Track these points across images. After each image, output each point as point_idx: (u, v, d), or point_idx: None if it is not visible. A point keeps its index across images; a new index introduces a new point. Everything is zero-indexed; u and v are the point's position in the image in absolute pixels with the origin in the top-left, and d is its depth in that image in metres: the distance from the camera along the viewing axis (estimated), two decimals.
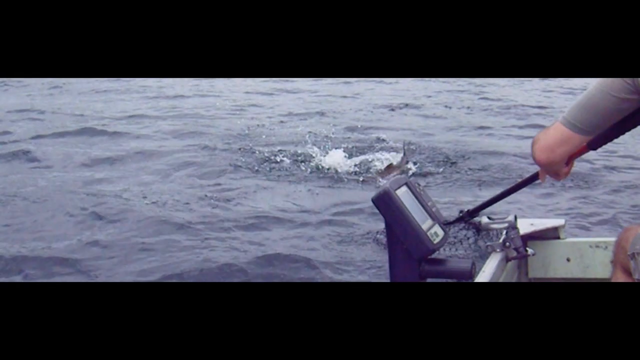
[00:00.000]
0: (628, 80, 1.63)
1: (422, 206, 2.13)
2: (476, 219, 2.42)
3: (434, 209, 2.17)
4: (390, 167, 5.86)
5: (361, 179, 5.67)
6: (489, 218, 2.25)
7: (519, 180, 2.44)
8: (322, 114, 9.19)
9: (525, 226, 2.40)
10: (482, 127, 8.33)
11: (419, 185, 2.25)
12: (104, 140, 7.39)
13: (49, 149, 6.84)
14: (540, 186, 5.11)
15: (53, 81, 12.10)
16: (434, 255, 2.06)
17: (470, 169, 6.06)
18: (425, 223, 2.08)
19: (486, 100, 10.57)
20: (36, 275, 3.76)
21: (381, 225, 4.07)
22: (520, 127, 8.27)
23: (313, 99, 10.91)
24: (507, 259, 2.21)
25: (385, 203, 2.08)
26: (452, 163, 6.24)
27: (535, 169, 2.11)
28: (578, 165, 5.36)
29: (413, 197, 2.14)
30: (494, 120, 8.88)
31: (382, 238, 3.71)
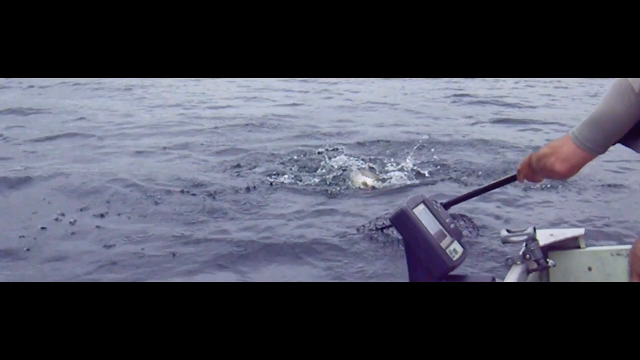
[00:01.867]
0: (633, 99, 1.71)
1: (440, 223, 2.15)
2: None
3: (452, 226, 2.18)
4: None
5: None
6: (507, 231, 2.25)
7: (496, 180, 2.50)
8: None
9: (545, 237, 2.39)
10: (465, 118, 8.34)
11: (436, 202, 2.26)
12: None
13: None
14: (553, 194, 5.09)
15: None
16: (454, 272, 2.07)
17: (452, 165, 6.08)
18: (443, 240, 2.09)
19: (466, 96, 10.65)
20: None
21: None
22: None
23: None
24: (527, 271, 2.20)
25: (402, 222, 2.09)
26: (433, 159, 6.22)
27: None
28: (591, 171, 5.39)
29: (430, 214, 2.15)
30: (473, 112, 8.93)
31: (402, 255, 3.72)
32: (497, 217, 4.59)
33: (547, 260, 2.20)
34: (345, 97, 10.90)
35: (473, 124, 8.66)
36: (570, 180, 5.30)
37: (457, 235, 2.16)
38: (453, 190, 5.32)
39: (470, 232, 4.16)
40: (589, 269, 2.41)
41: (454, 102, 10.58)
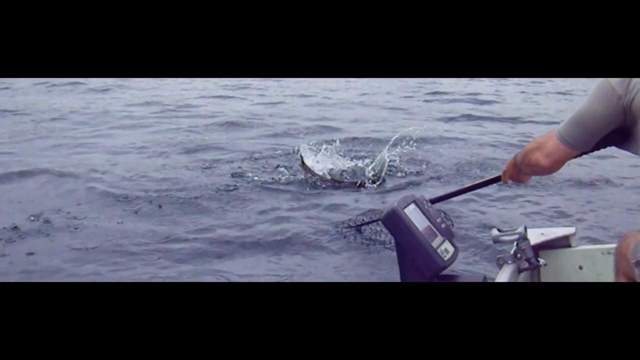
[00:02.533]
0: (615, 102, 1.76)
1: (432, 223, 2.14)
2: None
3: (443, 225, 2.17)
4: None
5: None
6: (498, 230, 2.24)
7: (480, 180, 2.56)
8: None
9: (536, 236, 2.39)
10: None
11: (427, 201, 2.26)
12: None
13: None
14: (544, 193, 5.11)
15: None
16: (445, 272, 2.06)
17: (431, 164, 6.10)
18: (435, 240, 2.08)
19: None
20: None
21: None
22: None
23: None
24: (519, 270, 2.20)
25: (394, 222, 2.08)
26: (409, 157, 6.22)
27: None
28: (581, 172, 5.42)
29: (421, 214, 2.15)
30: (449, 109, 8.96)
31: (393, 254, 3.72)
32: (488, 216, 4.59)
33: (539, 259, 2.20)
34: (323, 95, 10.88)
35: (447, 120, 8.70)
36: (561, 180, 5.32)
37: (448, 235, 2.16)
38: (429, 186, 5.35)
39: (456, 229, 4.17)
40: (580, 267, 2.42)
41: (427, 101, 10.59)
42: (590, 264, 2.40)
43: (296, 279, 3.66)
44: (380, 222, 4.09)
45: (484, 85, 12.20)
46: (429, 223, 2.13)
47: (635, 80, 1.72)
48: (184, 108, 9.72)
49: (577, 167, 5.48)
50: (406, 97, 10.61)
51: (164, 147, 6.97)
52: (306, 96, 10.94)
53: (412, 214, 2.10)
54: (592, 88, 1.85)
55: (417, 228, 2.06)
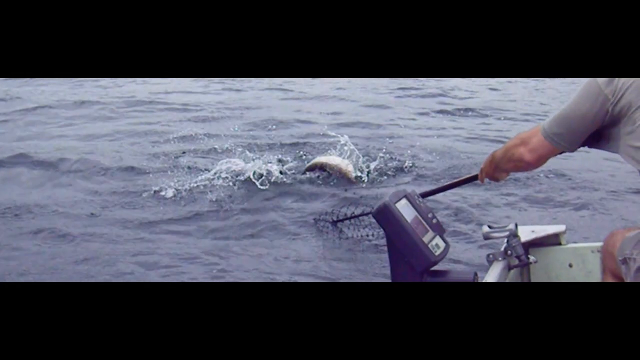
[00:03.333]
0: (600, 105, 1.78)
1: (423, 218, 2.14)
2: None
3: (434, 221, 2.17)
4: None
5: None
6: (489, 227, 2.25)
7: (457, 179, 2.58)
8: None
9: (526, 233, 2.40)
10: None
11: (419, 196, 2.25)
12: None
13: None
14: (535, 191, 5.12)
15: None
16: (436, 267, 2.06)
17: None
18: (426, 235, 2.08)
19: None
20: None
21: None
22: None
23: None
24: (509, 267, 2.20)
25: (385, 217, 2.08)
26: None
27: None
28: (569, 171, 5.44)
29: (413, 209, 2.14)
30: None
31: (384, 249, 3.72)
32: (479, 213, 4.60)
33: (529, 256, 2.21)
34: (299, 89, 10.78)
35: (420, 114, 8.67)
36: (551, 178, 5.34)
37: (439, 230, 2.15)
38: (401, 181, 5.34)
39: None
40: (570, 265, 2.43)
41: (399, 96, 10.56)
42: (580, 261, 2.41)
43: (279, 272, 3.66)
44: (363, 217, 4.10)
45: (456, 80, 12.19)
46: (420, 218, 2.12)
47: (621, 81, 1.74)
48: (159, 101, 9.58)
49: (567, 164, 5.50)
50: (382, 92, 10.54)
51: (136, 138, 6.91)
52: (283, 90, 10.80)
53: (404, 208, 2.10)
54: (579, 87, 1.87)
55: (408, 223, 2.06)
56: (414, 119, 8.29)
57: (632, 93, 1.73)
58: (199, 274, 3.70)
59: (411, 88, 10.70)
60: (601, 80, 1.77)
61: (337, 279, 3.64)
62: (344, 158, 5.61)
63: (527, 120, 7.74)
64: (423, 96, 10.15)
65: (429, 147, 6.41)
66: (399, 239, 2.06)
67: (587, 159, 5.75)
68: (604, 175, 5.54)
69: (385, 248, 2.15)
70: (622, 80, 1.74)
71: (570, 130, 1.90)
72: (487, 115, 8.46)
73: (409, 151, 6.21)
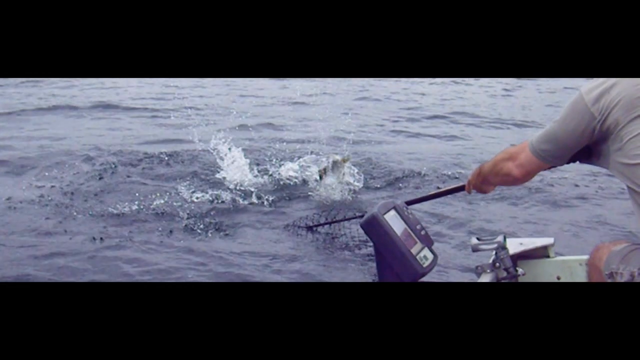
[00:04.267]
0: (586, 122, 1.81)
1: (411, 230, 2.13)
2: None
3: (423, 232, 2.17)
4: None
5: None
6: (477, 239, 2.24)
7: (444, 188, 2.61)
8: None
9: (515, 246, 2.40)
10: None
11: (407, 208, 2.25)
12: None
13: None
14: (523, 203, 5.14)
15: None
16: (424, 279, 2.05)
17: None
18: (414, 247, 2.08)
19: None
20: None
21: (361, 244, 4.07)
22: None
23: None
24: (497, 280, 2.20)
25: (373, 228, 2.07)
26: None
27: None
28: (558, 184, 5.47)
29: (401, 220, 2.14)
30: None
31: (372, 261, 3.70)
32: (467, 225, 4.60)
33: (517, 268, 2.20)
34: (271, 94, 10.73)
35: (393, 121, 8.72)
36: (540, 191, 5.36)
37: (427, 242, 2.15)
38: (368, 188, 5.32)
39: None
40: (558, 278, 2.42)
41: (362, 99, 10.57)
42: (568, 274, 2.41)
43: (257, 275, 3.63)
44: (340, 222, 4.10)
45: (426, 84, 12.22)
46: (409, 230, 2.12)
47: (608, 99, 1.77)
48: (125, 105, 9.52)
49: (557, 178, 5.52)
50: (351, 97, 10.54)
51: (101, 142, 6.84)
52: (256, 97, 10.72)
53: (392, 220, 2.10)
54: (566, 104, 1.90)
55: (396, 234, 2.05)
56: (382, 125, 8.31)
57: (618, 111, 1.75)
58: (189, 278, 3.66)
59: (375, 92, 10.75)
60: (588, 98, 1.80)
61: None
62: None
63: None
64: (389, 102, 10.18)
65: (400, 152, 6.40)
66: (387, 250, 2.05)
67: (576, 172, 5.79)
68: (592, 188, 5.57)
69: (371, 258, 2.15)
70: (609, 98, 1.76)
71: (557, 146, 1.92)
72: (456, 122, 8.54)
73: (385, 157, 6.21)
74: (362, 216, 2.50)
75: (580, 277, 2.37)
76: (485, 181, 2.24)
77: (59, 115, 8.70)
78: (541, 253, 2.46)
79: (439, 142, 7.42)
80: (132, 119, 8.60)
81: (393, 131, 8.02)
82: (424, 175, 5.71)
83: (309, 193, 5.23)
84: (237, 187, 5.29)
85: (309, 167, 5.63)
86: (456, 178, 5.56)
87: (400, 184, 5.50)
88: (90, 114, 8.82)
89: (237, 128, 7.31)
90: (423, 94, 11.26)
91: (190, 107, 8.27)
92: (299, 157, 5.97)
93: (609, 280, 1.86)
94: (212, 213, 4.71)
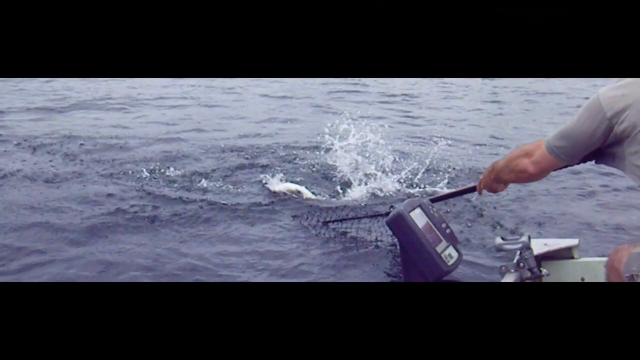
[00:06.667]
0: (603, 124, 1.83)
1: (437, 228, 2.16)
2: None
3: (448, 231, 2.19)
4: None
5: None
6: (502, 239, 2.26)
7: (456, 189, 2.61)
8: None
9: (539, 246, 2.41)
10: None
11: (433, 206, 2.27)
12: None
13: None
14: (548, 204, 5.10)
15: None
16: (448, 277, 2.08)
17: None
18: (439, 245, 2.10)
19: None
20: None
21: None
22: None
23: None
24: (521, 280, 2.21)
25: (398, 225, 2.10)
26: None
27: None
28: (586, 184, 5.41)
29: (427, 218, 2.16)
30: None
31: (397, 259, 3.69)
32: (492, 224, 4.59)
33: (541, 269, 2.21)
34: (252, 92, 10.61)
35: (376, 119, 8.54)
36: (565, 191, 5.31)
37: (452, 240, 2.17)
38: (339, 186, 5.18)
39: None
40: (582, 279, 2.43)
41: (340, 97, 10.42)
42: (592, 276, 2.41)
43: (275, 279, 3.64)
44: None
45: (402, 82, 12.05)
46: (434, 228, 2.14)
47: (624, 102, 1.78)
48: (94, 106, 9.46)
49: (582, 179, 5.47)
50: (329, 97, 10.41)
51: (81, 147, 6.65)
52: (228, 93, 10.59)
53: (418, 218, 2.12)
54: (583, 105, 1.92)
55: (422, 232, 2.08)
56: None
57: (635, 115, 1.77)
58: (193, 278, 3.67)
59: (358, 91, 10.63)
60: (604, 100, 1.82)
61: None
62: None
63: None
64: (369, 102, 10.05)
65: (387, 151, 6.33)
66: (412, 248, 2.08)
67: (602, 173, 5.73)
68: (617, 189, 5.51)
69: (392, 255, 2.18)
70: (626, 101, 1.78)
71: (572, 145, 1.96)
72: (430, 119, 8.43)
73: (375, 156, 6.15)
74: (387, 214, 2.53)
75: (604, 278, 2.37)
76: (498, 178, 2.26)
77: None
78: (566, 254, 2.47)
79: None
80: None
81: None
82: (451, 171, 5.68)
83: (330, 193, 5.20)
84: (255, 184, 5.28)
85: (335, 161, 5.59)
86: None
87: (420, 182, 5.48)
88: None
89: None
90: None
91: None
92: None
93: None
94: (219, 213, 4.69)
